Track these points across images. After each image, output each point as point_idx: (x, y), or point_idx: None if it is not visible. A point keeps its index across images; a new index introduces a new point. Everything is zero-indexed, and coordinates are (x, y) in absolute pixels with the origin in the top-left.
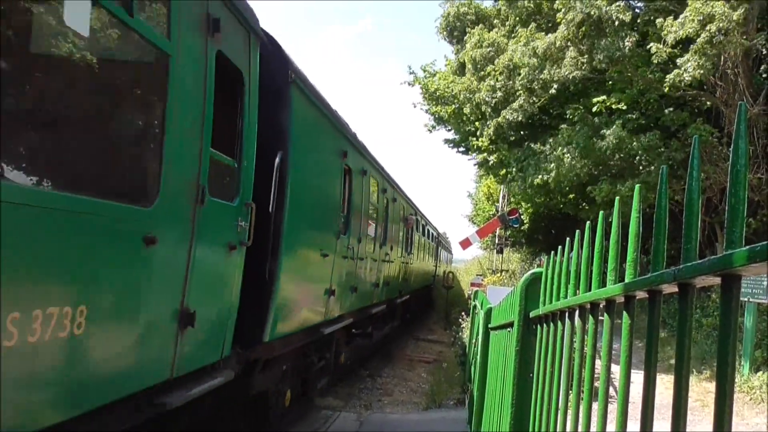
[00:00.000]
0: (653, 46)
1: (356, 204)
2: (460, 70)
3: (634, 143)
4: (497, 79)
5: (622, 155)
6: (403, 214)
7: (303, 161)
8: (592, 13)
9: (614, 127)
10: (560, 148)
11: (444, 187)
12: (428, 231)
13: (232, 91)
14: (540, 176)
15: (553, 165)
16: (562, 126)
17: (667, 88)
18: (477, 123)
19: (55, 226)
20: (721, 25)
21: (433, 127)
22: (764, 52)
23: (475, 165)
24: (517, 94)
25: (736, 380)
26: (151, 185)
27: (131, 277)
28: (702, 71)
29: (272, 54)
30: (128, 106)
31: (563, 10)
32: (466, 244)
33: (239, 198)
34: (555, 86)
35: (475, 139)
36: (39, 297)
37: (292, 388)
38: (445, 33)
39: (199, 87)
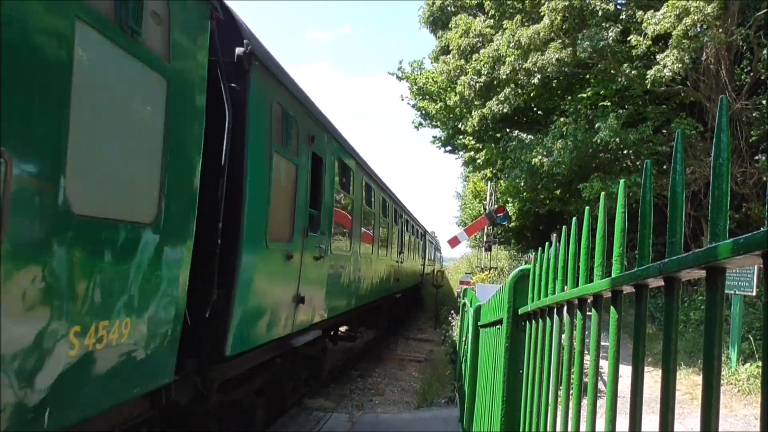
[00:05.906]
0: (633, 38)
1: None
2: (443, 53)
3: (630, 136)
4: (483, 67)
5: (619, 146)
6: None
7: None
8: (575, 2)
9: (609, 119)
10: (557, 141)
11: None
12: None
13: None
14: (535, 156)
15: (554, 147)
16: (559, 119)
17: (649, 84)
18: (465, 109)
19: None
20: (696, 17)
21: (420, 125)
22: (745, 47)
23: (462, 165)
24: (503, 82)
25: (724, 372)
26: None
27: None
28: (680, 65)
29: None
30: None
31: (546, 3)
32: (454, 242)
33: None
34: (538, 75)
35: (461, 137)
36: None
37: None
38: (428, 22)
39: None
